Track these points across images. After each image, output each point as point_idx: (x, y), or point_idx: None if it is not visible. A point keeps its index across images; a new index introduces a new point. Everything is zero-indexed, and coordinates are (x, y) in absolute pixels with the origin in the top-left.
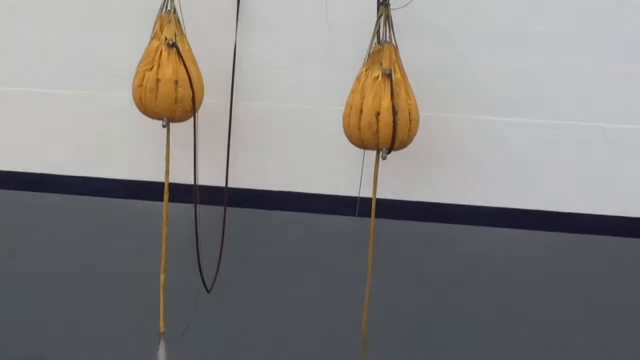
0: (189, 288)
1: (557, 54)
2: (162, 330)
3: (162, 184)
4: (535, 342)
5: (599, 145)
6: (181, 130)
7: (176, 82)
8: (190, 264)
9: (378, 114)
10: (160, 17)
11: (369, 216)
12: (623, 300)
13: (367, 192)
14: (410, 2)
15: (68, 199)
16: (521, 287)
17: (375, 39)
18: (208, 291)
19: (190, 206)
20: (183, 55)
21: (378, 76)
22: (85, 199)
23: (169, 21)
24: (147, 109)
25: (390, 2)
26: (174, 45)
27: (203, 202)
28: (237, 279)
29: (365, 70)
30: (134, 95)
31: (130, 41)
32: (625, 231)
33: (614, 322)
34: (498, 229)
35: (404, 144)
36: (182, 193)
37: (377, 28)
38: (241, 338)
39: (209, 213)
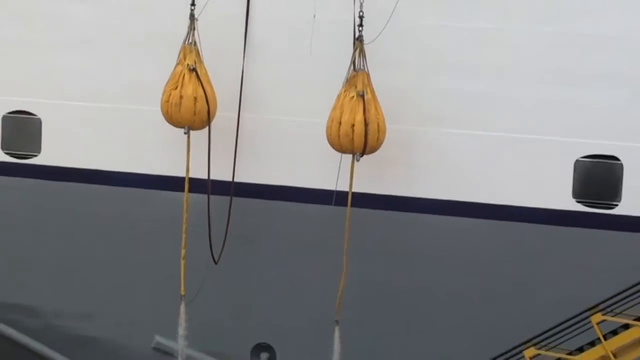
0: (202, 260)
1: (491, 81)
2: (182, 292)
3: (183, 178)
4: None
5: (518, 150)
6: (199, 136)
7: (195, 98)
8: (203, 241)
9: (353, 125)
10: (183, 48)
11: (344, 205)
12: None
13: (343, 187)
14: (377, 37)
15: (114, 190)
16: (461, 260)
17: (352, 67)
18: (215, 262)
19: (204, 195)
20: (201, 77)
21: (353, 96)
22: (121, 189)
23: (190, 51)
24: (172, 120)
25: (364, 38)
26: (194, 70)
27: (214, 193)
28: (239, 253)
29: (344, 91)
30: (162, 108)
31: (158, 68)
32: (545, 220)
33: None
34: (444, 217)
35: (373, 149)
36: (198, 185)
37: (353, 58)
38: (241, 298)
39: (219, 201)
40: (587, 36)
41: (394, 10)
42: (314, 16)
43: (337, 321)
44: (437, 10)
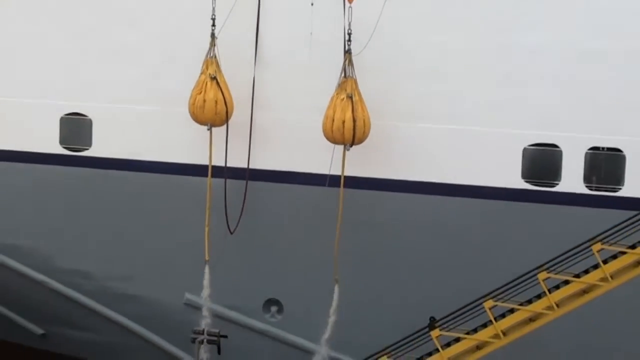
0: (222, 230)
1: (456, 84)
2: (207, 258)
3: (207, 165)
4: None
5: (478, 140)
6: (219, 131)
7: (216, 102)
8: (221, 216)
9: (344, 122)
10: (206, 60)
11: (337, 187)
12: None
13: (335, 172)
14: (362, 50)
15: (150, 176)
16: (434, 229)
17: (343, 74)
18: (231, 232)
19: (222, 180)
20: (220, 84)
21: (344, 98)
22: (156, 175)
23: (212, 63)
24: (197, 118)
25: (352, 51)
26: (214, 78)
27: (231, 177)
28: (250, 225)
29: (336, 94)
30: (189, 109)
31: (187, 77)
32: (500, 196)
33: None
34: (418, 195)
35: (360, 141)
36: (218, 171)
37: (343, 67)
38: (254, 263)
39: (235, 184)
40: (528, 46)
41: (375, 28)
42: (311, 33)
43: (336, 279)
44: (412, 26)
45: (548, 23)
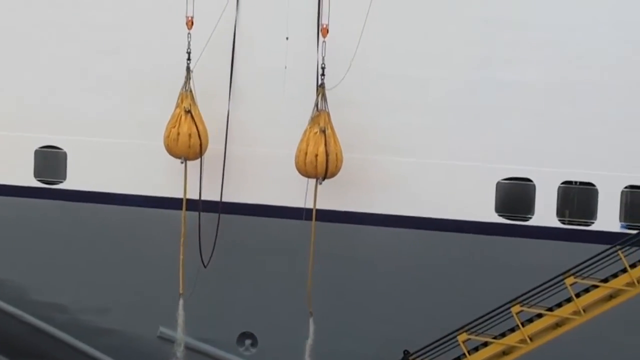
0: (194, 264)
1: (429, 119)
2: (181, 291)
3: (181, 198)
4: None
5: (452, 174)
6: (193, 165)
7: (190, 135)
8: (195, 249)
9: (317, 155)
10: (181, 94)
11: (311, 219)
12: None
13: (309, 205)
14: (336, 86)
15: (125, 209)
16: (407, 263)
17: (315, 108)
18: (205, 266)
19: (196, 213)
20: (195, 118)
21: (317, 132)
22: (130, 208)
23: (186, 96)
24: (172, 152)
25: (326, 85)
26: (189, 111)
27: (205, 210)
28: (224, 257)
29: (309, 128)
30: (164, 142)
31: (162, 110)
32: (474, 230)
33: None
34: (391, 229)
35: (333, 175)
36: (192, 204)
37: (316, 101)
38: (229, 296)
39: (208, 217)
40: (501, 80)
41: (350, 64)
42: (285, 67)
43: (310, 312)
44: (386, 61)
45: (523, 58)
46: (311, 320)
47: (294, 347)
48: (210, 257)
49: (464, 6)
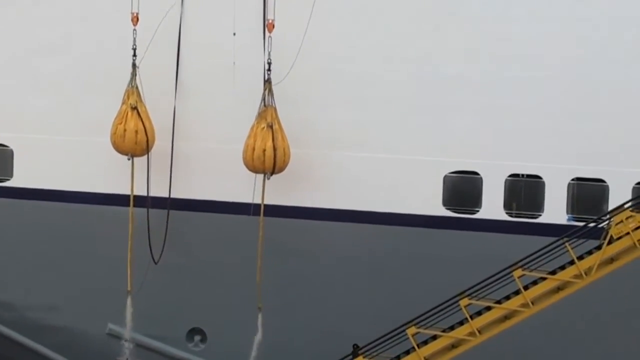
0: (144, 260)
1: (376, 112)
2: (129, 288)
3: (128, 195)
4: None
5: (399, 168)
6: (140, 161)
7: (136, 131)
8: (144, 245)
9: (264, 150)
10: (127, 90)
11: (259, 215)
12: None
13: (257, 200)
14: (282, 80)
15: (71, 206)
16: (355, 257)
17: (262, 103)
18: (155, 262)
19: (145, 210)
20: (141, 114)
21: (264, 127)
22: (77, 205)
23: (133, 93)
24: (118, 148)
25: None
26: (135, 108)
27: (154, 207)
28: (174, 254)
29: (257, 123)
30: (110, 139)
31: (108, 107)
32: (422, 223)
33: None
34: (340, 223)
35: (280, 170)
36: (140, 201)
37: (263, 96)
38: (177, 292)
39: (157, 214)
40: (448, 74)
41: (295, 58)
42: (234, 63)
43: (259, 308)
44: (332, 55)
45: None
46: (260, 315)
47: (243, 342)
48: (161, 254)
49: None
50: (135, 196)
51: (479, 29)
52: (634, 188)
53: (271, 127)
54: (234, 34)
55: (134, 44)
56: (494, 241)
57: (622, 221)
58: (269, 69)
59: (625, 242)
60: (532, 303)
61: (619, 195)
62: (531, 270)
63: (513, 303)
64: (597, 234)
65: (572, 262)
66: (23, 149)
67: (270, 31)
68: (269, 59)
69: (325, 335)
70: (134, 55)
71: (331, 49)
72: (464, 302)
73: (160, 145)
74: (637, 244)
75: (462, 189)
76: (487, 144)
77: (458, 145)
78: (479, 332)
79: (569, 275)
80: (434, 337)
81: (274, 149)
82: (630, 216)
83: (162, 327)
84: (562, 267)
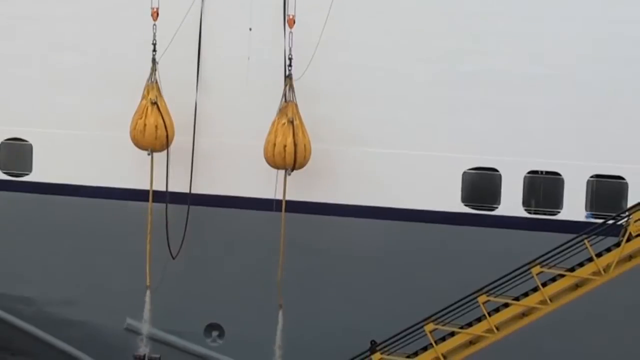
0: (164, 255)
1: (398, 110)
2: (148, 283)
3: (148, 190)
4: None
5: (418, 165)
6: (160, 156)
7: (156, 126)
8: (164, 241)
9: (285, 146)
10: (147, 85)
11: (281, 211)
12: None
13: (279, 196)
14: (302, 75)
15: (91, 201)
16: (376, 253)
17: (283, 99)
18: (173, 258)
19: (163, 204)
20: (161, 109)
21: (285, 122)
22: (97, 200)
23: (153, 88)
24: (138, 143)
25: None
26: (155, 103)
27: (173, 202)
28: (192, 249)
29: (278, 119)
30: (130, 134)
31: (128, 102)
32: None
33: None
34: (360, 219)
35: (301, 166)
36: (160, 196)
37: (284, 92)
38: (196, 287)
39: (177, 209)
40: (468, 73)
41: (314, 53)
42: (249, 58)
43: (280, 305)
44: (354, 52)
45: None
46: (280, 313)
47: (260, 339)
48: (179, 249)
49: None
50: (154, 191)
51: (499, 28)
52: None
53: (292, 122)
54: (250, 29)
55: (154, 39)
56: (512, 238)
57: None
58: (289, 65)
59: None
60: (550, 300)
61: (638, 193)
62: (549, 268)
63: (531, 300)
64: (616, 231)
65: (590, 260)
66: (42, 143)
67: (290, 27)
68: (290, 54)
69: (345, 332)
70: (154, 50)
71: (354, 45)
72: (482, 299)
73: (180, 141)
74: None
75: (481, 185)
76: (506, 141)
77: (477, 142)
78: (497, 329)
79: (587, 273)
80: (452, 334)
81: (295, 145)
82: None
83: (180, 322)
84: (581, 265)
